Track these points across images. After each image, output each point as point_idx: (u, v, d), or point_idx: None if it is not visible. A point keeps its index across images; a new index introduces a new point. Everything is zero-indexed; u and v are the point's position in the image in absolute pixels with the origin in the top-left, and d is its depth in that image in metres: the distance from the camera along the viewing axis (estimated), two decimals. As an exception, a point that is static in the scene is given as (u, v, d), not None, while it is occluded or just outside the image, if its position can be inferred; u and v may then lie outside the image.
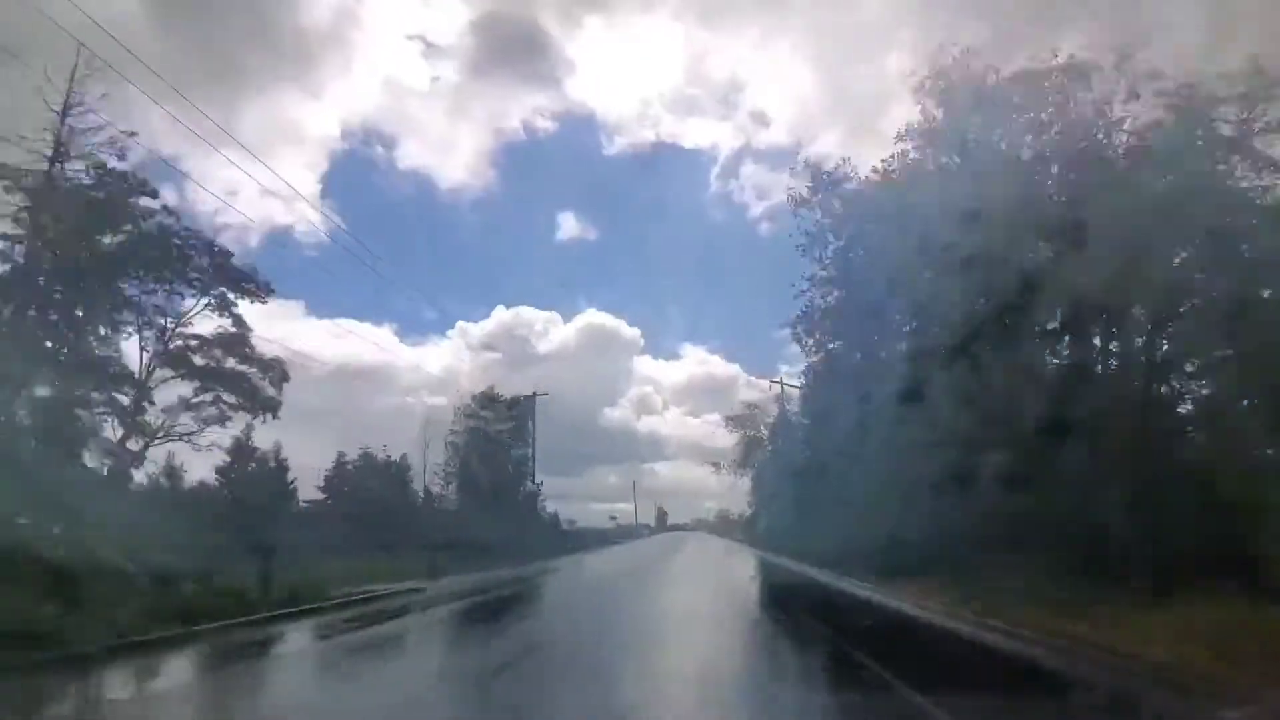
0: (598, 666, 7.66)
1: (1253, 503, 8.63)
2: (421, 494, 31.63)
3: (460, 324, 75.14)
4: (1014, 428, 12.02)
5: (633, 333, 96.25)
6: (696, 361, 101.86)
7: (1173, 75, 11.01)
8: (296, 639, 9.87)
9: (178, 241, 17.24)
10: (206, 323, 18.41)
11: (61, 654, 7.00)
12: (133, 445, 17.12)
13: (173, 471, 19.62)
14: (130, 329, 17.27)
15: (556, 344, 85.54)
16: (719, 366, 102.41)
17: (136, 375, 17.18)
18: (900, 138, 16.36)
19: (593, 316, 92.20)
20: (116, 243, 16.21)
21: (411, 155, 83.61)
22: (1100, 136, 12.48)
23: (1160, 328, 11.71)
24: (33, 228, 14.80)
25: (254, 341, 19.13)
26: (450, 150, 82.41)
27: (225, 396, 18.91)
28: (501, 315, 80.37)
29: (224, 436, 19.63)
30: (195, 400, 18.44)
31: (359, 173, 76.02)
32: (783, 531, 35.21)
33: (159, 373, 17.74)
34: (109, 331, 16.74)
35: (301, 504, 25.53)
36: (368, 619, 11.57)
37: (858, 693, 6.19)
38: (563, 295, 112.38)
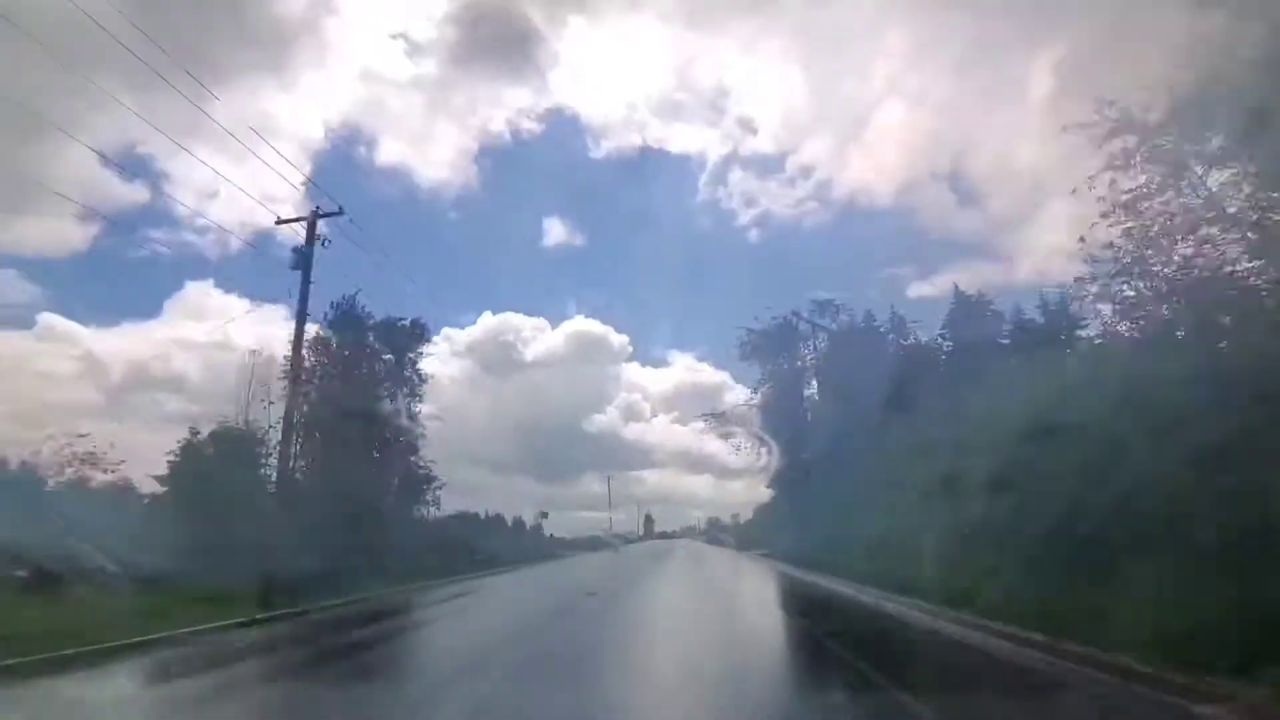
0: None
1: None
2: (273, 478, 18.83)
3: (446, 330, 74.71)
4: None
5: (621, 339, 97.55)
6: (684, 368, 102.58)
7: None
8: None
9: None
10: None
11: None
12: None
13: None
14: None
15: (544, 350, 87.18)
16: (707, 374, 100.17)
17: None
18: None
19: (581, 323, 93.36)
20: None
21: (401, 159, 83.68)
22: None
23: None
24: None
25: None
26: (436, 154, 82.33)
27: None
28: (488, 321, 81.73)
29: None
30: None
31: (342, 176, 75.82)
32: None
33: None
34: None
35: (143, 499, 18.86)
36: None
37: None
38: (551, 301, 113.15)
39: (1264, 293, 9.34)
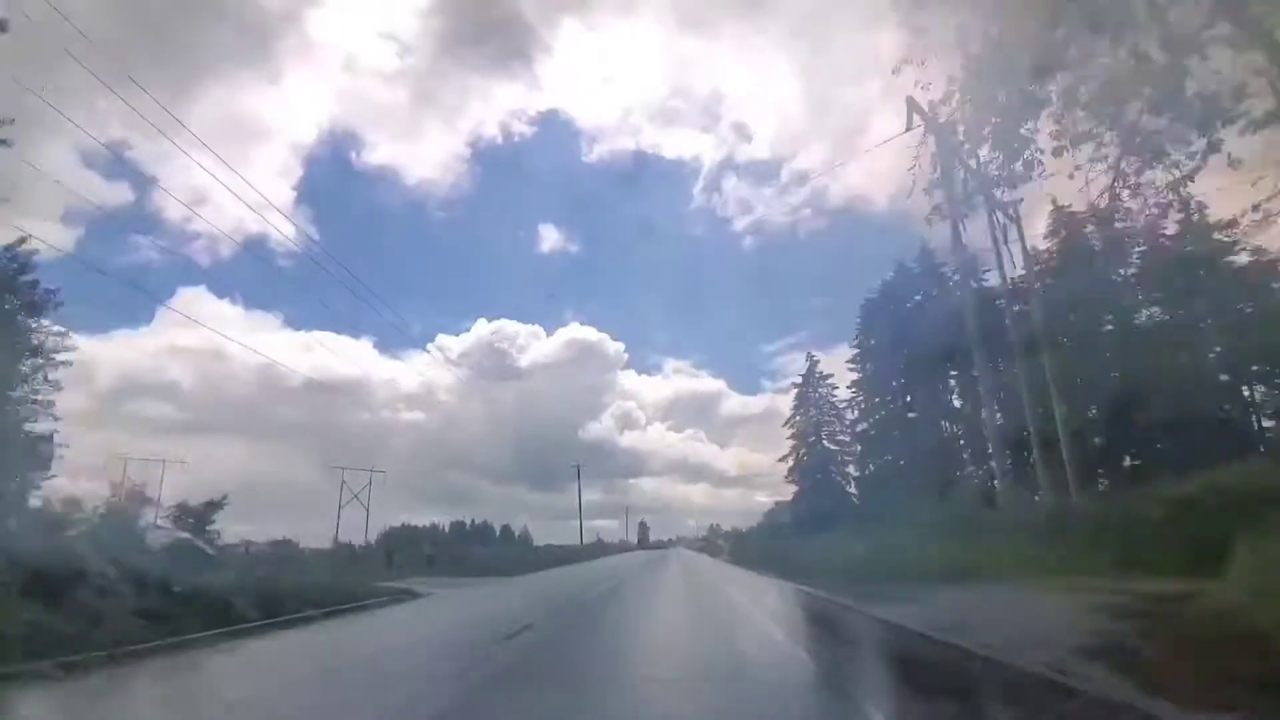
0: None
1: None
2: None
3: (440, 337, 73.63)
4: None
5: (616, 346, 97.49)
6: (681, 376, 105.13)
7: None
8: None
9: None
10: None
11: None
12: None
13: None
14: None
15: (539, 357, 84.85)
16: (703, 382, 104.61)
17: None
18: None
19: (576, 330, 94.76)
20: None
21: (396, 166, 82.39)
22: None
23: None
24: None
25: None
26: (432, 163, 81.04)
27: None
28: (483, 328, 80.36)
29: None
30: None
31: (338, 184, 75.07)
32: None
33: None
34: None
35: None
36: None
37: None
38: (546, 308, 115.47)
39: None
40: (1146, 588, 10.06)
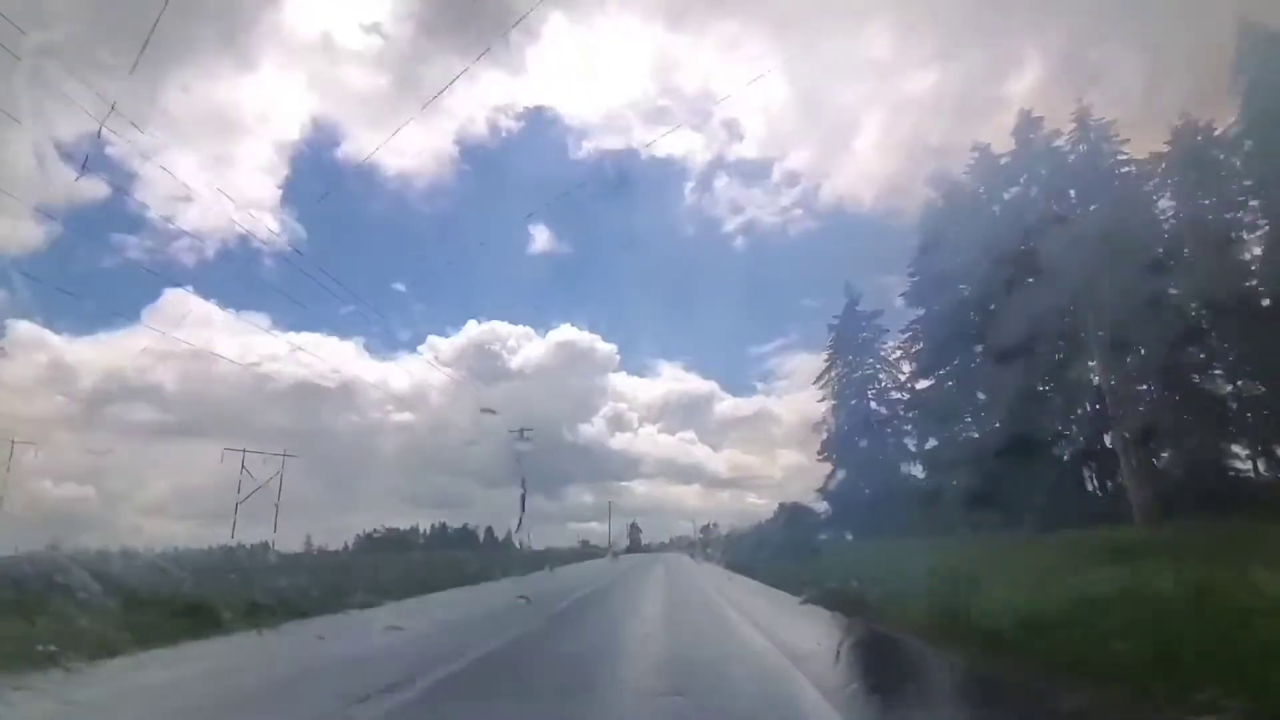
0: None
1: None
2: None
3: (431, 339, 73.71)
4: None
5: (608, 348, 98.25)
6: (672, 378, 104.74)
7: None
8: None
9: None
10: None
11: None
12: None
13: None
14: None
15: (530, 359, 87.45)
16: (695, 383, 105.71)
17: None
18: None
19: (567, 332, 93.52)
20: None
21: (388, 168, 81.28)
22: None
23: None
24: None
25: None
26: (421, 163, 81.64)
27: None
28: (473, 330, 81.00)
29: None
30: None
31: (327, 183, 73.52)
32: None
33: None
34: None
35: None
36: None
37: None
38: (537, 310, 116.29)
39: None
40: None
